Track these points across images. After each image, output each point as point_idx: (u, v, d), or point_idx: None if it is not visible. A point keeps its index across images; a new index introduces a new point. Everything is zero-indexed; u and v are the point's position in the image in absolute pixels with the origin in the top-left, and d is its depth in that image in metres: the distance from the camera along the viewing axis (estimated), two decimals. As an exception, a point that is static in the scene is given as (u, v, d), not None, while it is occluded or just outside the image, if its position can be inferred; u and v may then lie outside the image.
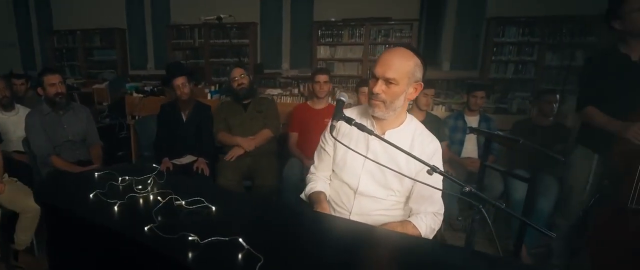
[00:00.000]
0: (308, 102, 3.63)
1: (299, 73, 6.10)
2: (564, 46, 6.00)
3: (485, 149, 2.51)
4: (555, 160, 2.37)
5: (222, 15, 3.76)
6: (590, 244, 2.34)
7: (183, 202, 1.52)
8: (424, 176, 1.50)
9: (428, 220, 1.65)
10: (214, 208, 1.49)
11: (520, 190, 3.04)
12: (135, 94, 4.25)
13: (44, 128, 2.99)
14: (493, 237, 1.34)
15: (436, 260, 1.29)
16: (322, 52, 6.06)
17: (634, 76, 2.24)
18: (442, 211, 1.70)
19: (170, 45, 6.64)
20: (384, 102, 1.57)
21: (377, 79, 1.56)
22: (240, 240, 1.19)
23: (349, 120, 1.50)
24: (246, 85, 3.39)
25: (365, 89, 3.47)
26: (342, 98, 1.59)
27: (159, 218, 1.39)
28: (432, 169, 1.36)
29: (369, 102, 1.63)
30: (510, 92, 5.67)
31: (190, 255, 1.18)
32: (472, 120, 3.62)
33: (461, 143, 3.62)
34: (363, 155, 1.55)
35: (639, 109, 2.19)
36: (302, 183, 3.42)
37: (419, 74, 1.56)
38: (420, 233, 1.63)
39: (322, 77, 3.46)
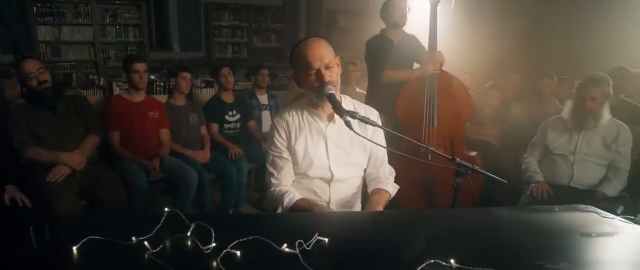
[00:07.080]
0: (123, 95, 2.89)
1: (15, 60, 4.48)
2: (264, 31, 7.20)
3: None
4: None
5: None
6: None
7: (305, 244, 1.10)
8: (377, 139, 1.66)
9: (391, 179, 1.78)
10: (326, 240, 1.15)
11: None
12: None
13: None
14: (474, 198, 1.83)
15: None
16: (44, 33, 4.64)
17: (395, 55, 2.94)
18: (392, 169, 1.84)
19: None
20: (335, 85, 1.58)
21: (318, 69, 1.56)
22: (452, 261, 1.02)
23: (353, 115, 1.44)
24: (50, 83, 2.37)
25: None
26: (331, 91, 1.51)
27: None
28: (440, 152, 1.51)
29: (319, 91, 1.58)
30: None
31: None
32: (263, 98, 3.78)
33: (260, 120, 3.69)
34: (363, 137, 1.48)
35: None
36: (153, 185, 2.98)
37: (333, 51, 1.62)
38: (390, 194, 1.74)
39: (141, 66, 2.79)
